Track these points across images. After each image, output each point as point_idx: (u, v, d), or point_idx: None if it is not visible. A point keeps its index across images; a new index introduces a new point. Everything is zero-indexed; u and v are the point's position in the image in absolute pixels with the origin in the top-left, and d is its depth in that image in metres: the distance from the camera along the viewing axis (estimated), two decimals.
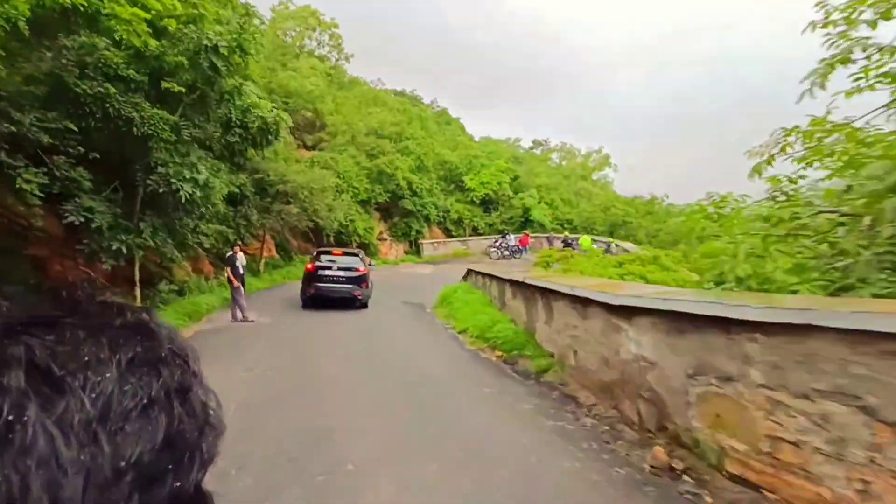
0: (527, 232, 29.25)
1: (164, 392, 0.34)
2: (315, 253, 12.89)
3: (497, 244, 28.50)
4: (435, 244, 29.05)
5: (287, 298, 13.22)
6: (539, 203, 31.77)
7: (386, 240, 27.22)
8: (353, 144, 26.49)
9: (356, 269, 11.81)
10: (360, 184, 24.66)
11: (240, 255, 10.94)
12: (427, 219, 28.56)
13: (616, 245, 25.19)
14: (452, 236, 30.69)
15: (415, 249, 28.87)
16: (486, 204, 32.29)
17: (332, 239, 21.68)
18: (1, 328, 0.31)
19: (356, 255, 12.65)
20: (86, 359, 0.32)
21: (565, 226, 32.64)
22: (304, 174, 18.74)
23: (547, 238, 29.14)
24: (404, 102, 34.96)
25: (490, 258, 28.10)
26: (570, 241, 28.25)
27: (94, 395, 0.31)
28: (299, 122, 27.73)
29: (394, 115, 30.11)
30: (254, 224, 17.01)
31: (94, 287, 0.43)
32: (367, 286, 11.92)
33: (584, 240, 26.30)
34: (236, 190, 15.63)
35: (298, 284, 12.79)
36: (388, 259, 26.78)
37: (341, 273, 11.68)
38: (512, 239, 28.61)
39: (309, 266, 12.01)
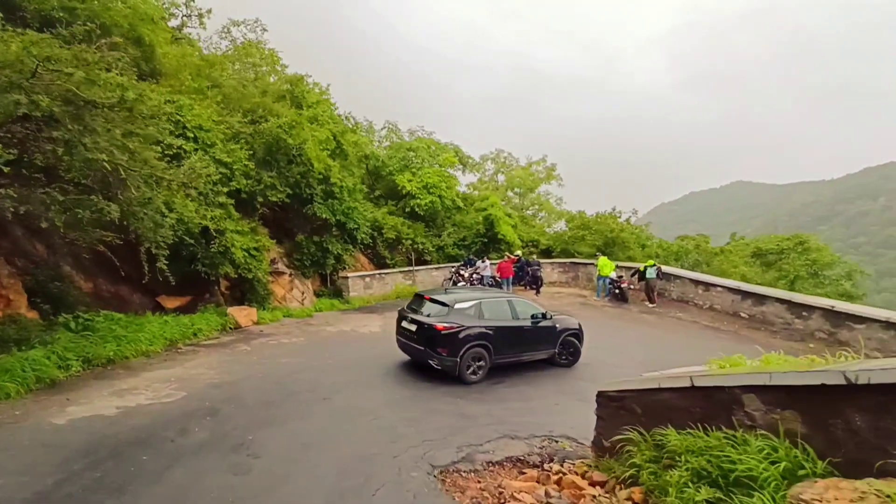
0: (510, 255, 19.53)
1: None
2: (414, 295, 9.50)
3: (467, 276, 18.20)
4: (367, 278, 17.57)
5: None
6: (506, 216, 22.46)
7: (283, 273, 14.98)
8: (217, 94, 14.31)
9: (433, 327, 8.07)
10: (237, 160, 12.54)
11: None
12: (352, 237, 17.06)
13: (658, 269, 16.65)
14: (387, 265, 19.47)
15: (331, 288, 16.99)
16: (429, 220, 21.80)
17: (167, 269, 9.29)
18: None
19: (446, 304, 8.33)
20: None
21: (532, 249, 23.78)
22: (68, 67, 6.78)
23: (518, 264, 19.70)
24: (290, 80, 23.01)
25: None
26: (530, 267, 19.22)
27: None
28: (108, 60, 14.64)
29: (282, 81, 18.52)
30: None
31: None
32: (447, 352, 7.99)
33: (604, 262, 17.52)
34: None
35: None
36: (291, 308, 14.50)
37: (413, 327, 8.39)
38: (487, 267, 18.61)
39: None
